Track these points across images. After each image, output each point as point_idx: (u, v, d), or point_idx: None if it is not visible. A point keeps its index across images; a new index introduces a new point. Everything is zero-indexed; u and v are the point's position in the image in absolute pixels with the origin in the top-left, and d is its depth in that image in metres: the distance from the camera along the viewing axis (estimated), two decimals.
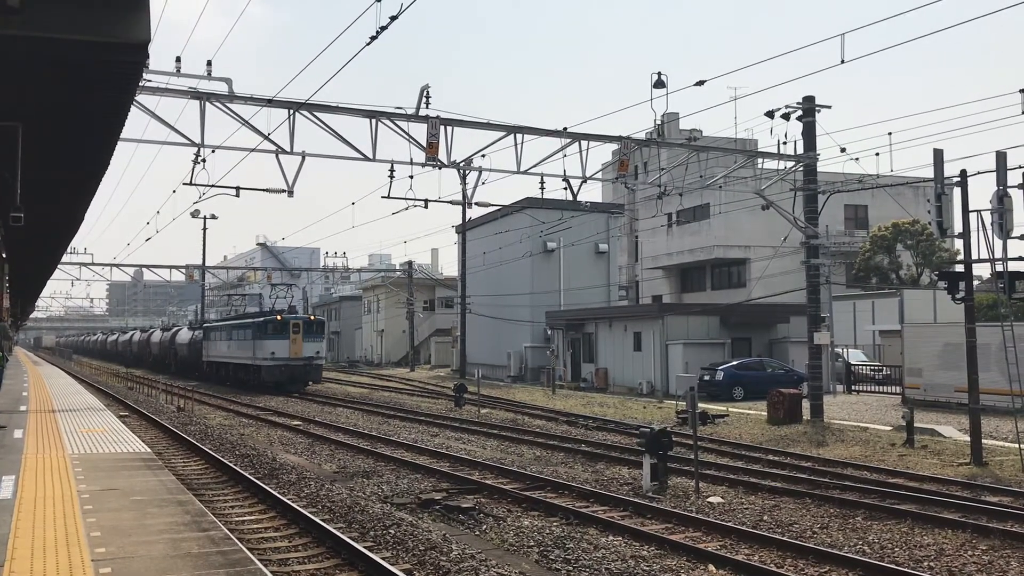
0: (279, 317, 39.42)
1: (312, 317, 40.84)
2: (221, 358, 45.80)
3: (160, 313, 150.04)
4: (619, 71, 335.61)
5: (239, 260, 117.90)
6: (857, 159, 24.47)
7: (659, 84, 22.02)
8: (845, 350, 37.86)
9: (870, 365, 37.80)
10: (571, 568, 9.71)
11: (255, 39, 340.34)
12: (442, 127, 20.06)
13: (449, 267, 76.51)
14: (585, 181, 22.67)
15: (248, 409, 30.14)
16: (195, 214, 54.99)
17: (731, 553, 10.36)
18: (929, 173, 18.91)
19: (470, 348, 48.30)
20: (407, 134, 20.21)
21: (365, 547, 9.94)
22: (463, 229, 49.77)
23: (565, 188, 22.80)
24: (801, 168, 24.62)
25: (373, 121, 19.90)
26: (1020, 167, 17.70)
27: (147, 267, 53.98)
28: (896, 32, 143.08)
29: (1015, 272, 17.54)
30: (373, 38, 13.35)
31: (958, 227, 18.13)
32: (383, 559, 9.40)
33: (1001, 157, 17.24)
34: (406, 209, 26.48)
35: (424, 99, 19.73)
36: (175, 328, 64.95)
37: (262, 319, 40.16)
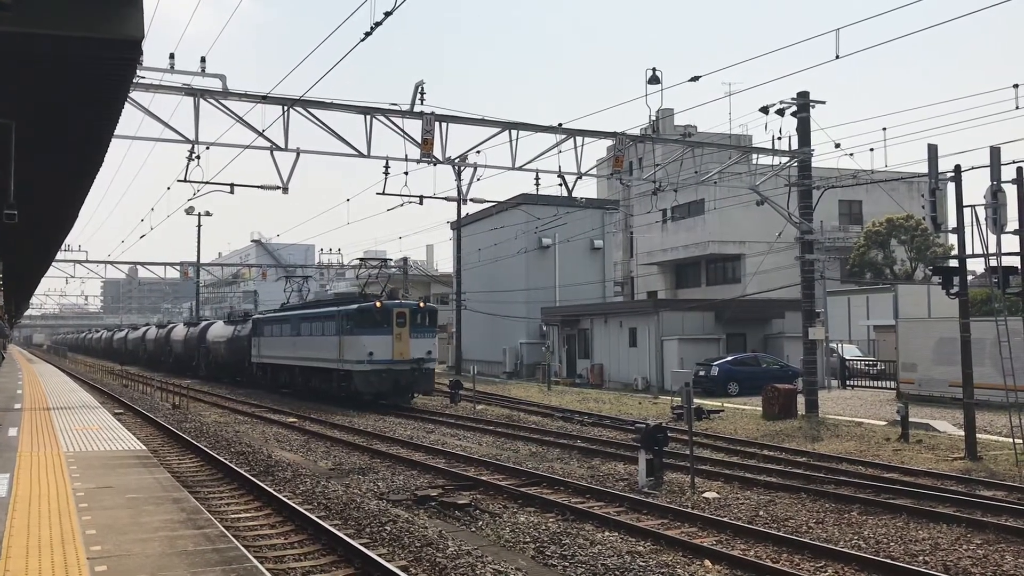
0: (378, 304, 28.91)
1: (421, 304, 30.06)
2: (282, 359, 35.47)
3: (155, 310, 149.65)
4: (614, 67, 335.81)
5: (234, 257, 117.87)
6: (851, 154, 24.71)
7: (654, 80, 21.99)
8: (840, 345, 37.94)
9: (865, 360, 37.90)
10: (567, 564, 9.71)
11: (248, 35, 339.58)
12: (437, 123, 20.03)
13: (444, 263, 76.56)
14: (580, 177, 22.64)
15: (244, 407, 30.08)
16: (190, 211, 54.90)
17: (727, 548, 10.38)
18: (923, 168, 18.96)
19: (465, 344, 48.29)
20: (402, 130, 20.19)
21: (361, 544, 9.94)
22: (458, 225, 49.74)
23: (560, 184, 22.78)
24: (795, 164, 24.64)
25: (368, 117, 19.86)
26: (1014, 162, 17.75)
27: (142, 264, 53.87)
28: (891, 27, 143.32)
29: (1009, 267, 17.60)
30: (368, 34, 13.31)
31: (952, 222, 18.18)
32: (379, 556, 9.40)
33: (995, 152, 17.29)
34: (401, 206, 26.52)
35: (419, 95, 19.70)
36: (205, 322, 53.20)
37: (355, 307, 29.28)
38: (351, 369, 28.64)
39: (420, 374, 28.98)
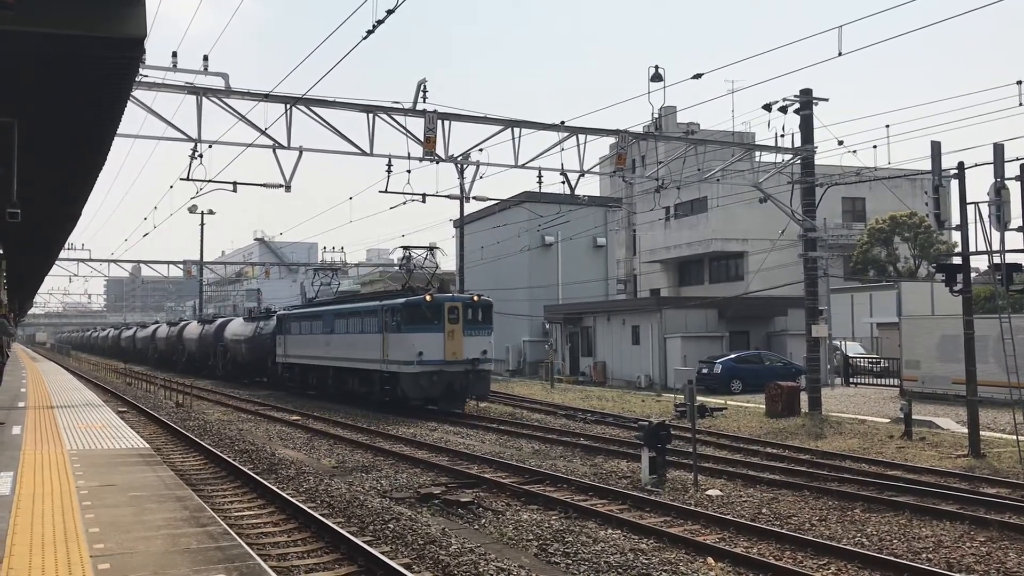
0: (428, 297, 26.00)
1: (476, 298, 26.93)
2: (313, 359, 32.54)
3: (158, 309, 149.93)
4: (617, 64, 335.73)
5: (237, 255, 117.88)
6: (855, 152, 24.51)
7: (656, 77, 22.01)
8: (843, 343, 37.89)
9: (868, 357, 37.86)
10: (570, 561, 9.72)
11: (251, 33, 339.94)
12: (439, 121, 20.04)
13: (447, 261, 76.50)
14: (583, 175, 22.63)
15: (249, 405, 30.11)
16: (192, 209, 55.00)
17: (730, 546, 10.38)
18: (927, 165, 18.92)
19: None
20: (404, 128, 20.20)
21: (364, 542, 9.95)
22: (461, 223, 49.71)
23: (563, 182, 22.78)
24: (798, 161, 24.60)
25: (370, 115, 19.87)
26: (1018, 159, 17.71)
27: (145, 263, 53.93)
28: (893, 24, 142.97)
29: (1012, 264, 17.55)
30: (370, 32, 13.31)
31: (956, 219, 18.14)
32: (382, 553, 9.41)
33: (998, 149, 17.23)
34: (404, 204, 26.43)
35: (421, 93, 19.70)
36: (222, 319, 50.68)
37: (401, 301, 26.27)
38: (397, 371, 25.66)
39: (475, 376, 25.92)
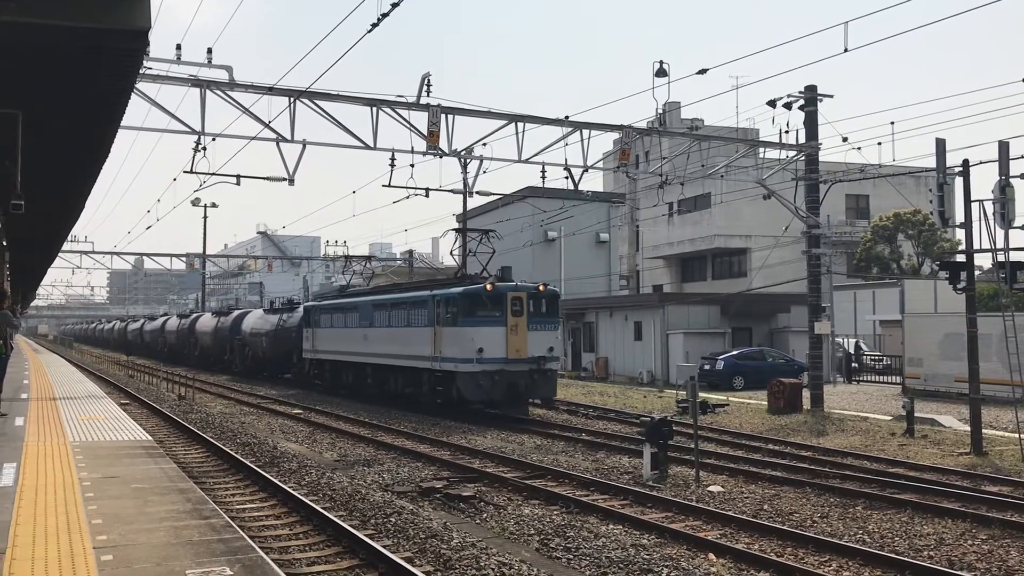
0: (489, 286, 22.91)
1: (541, 287, 23.76)
2: (347, 356, 29.51)
3: (161, 301, 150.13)
4: (621, 59, 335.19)
5: (240, 248, 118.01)
6: (859, 148, 24.53)
7: (661, 73, 21.98)
8: (845, 340, 37.86)
9: (871, 355, 37.83)
10: (571, 556, 9.72)
11: (255, 26, 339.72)
12: (443, 115, 20.02)
13: (449, 257, 76.49)
14: (586, 170, 22.63)
15: (249, 397, 30.14)
16: (196, 202, 55.03)
17: (731, 542, 10.38)
18: (931, 163, 18.88)
19: None
20: (408, 122, 20.19)
21: (366, 535, 9.96)
22: (464, 218, 49.73)
23: (566, 177, 22.78)
24: (803, 157, 24.57)
25: (374, 109, 19.86)
26: (1022, 157, 17.67)
27: (148, 255, 54.10)
28: (900, 20, 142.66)
29: (1016, 262, 17.53)
30: (374, 25, 13.27)
31: (960, 217, 18.11)
32: (384, 547, 9.42)
33: (1003, 147, 17.20)
34: (407, 198, 26.39)
35: (425, 87, 19.69)
36: (238, 311, 47.44)
37: (458, 290, 23.22)
38: (453, 370, 22.73)
39: (540, 376, 23.05)
